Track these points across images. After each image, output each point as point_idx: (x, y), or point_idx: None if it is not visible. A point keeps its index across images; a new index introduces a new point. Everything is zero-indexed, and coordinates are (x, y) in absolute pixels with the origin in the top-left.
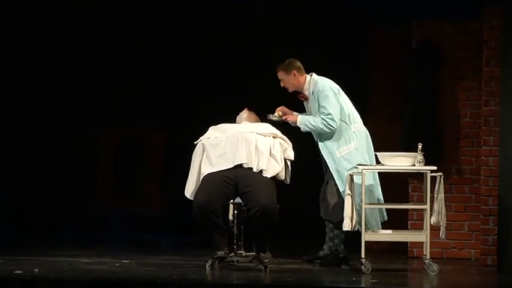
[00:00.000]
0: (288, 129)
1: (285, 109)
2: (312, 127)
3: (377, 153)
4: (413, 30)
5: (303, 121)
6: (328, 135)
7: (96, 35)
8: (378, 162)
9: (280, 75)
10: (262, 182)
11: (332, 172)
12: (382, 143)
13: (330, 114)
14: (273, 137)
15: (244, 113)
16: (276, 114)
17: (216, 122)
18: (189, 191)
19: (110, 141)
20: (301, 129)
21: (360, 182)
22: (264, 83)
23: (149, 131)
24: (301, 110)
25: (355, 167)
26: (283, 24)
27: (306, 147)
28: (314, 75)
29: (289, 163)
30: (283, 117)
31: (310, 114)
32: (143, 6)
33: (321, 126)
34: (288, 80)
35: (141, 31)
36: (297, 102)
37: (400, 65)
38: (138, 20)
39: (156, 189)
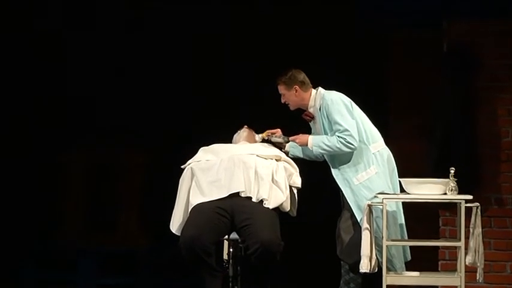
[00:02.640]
0: None
1: (279, 132)
2: (327, 147)
3: (401, 180)
4: (444, 33)
5: (315, 142)
6: (343, 159)
7: (66, 48)
8: (402, 190)
9: (281, 89)
10: (263, 214)
11: (350, 204)
12: (406, 167)
13: (346, 130)
14: (276, 160)
15: (244, 132)
16: (260, 135)
17: (207, 143)
18: (175, 224)
19: (79, 165)
20: (314, 152)
21: (380, 214)
22: (266, 97)
23: (127, 152)
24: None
25: (376, 196)
26: (285, 30)
27: (316, 170)
28: (320, 89)
29: (295, 191)
30: (290, 138)
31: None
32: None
33: (338, 146)
34: (289, 96)
35: (117, 39)
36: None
37: (427, 74)
38: (114, 30)
39: (135, 223)
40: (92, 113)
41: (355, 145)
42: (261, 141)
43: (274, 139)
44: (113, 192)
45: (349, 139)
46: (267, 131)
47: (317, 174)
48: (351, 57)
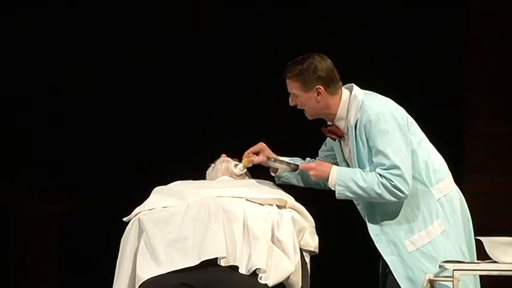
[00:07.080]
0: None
1: (266, 150)
2: (360, 191)
3: (482, 239)
4: None
5: (342, 177)
6: (389, 209)
7: None
8: (481, 256)
9: (292, 87)
10: None
11: (398, 280)
12: (488, 218)
13: (396, 167)
14: (279, 207)
15: (223, 162)
16: (241, 164)
17: (166, 181)
18: None
19: None
20: (337, 194)
21: None
22: (259, 107)
23: (38, 197)
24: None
25: (441, 266)
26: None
27: (337, 215)
28: (356, 89)
29: (307, 259)
30: (302, 166)
31: (349, 167)
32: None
33: (379, 191)
34: (305, 99)
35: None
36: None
37: None
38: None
39: None
40: None
41: (406, 193)
42: (242, 173)
43: (273, 163)
44: (13, 259)
45: (397, 182)
46: (247, 153)
47: (338, 224)
48: (407, 49)
